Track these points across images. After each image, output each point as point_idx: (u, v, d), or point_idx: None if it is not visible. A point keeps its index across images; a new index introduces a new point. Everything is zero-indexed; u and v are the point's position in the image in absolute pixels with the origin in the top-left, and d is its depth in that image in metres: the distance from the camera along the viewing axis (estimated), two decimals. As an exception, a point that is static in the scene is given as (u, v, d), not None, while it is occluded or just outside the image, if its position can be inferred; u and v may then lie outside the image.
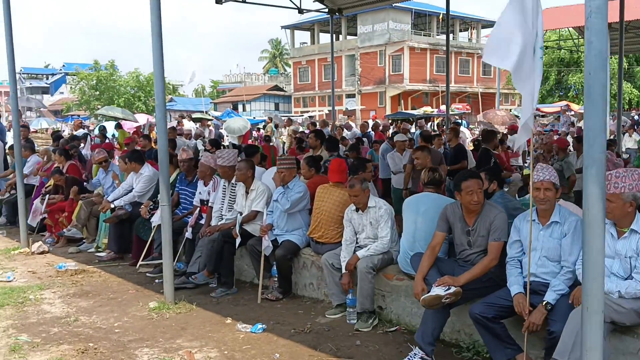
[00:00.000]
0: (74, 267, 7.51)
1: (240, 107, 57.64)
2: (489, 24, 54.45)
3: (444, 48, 50.03)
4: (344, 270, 5.31)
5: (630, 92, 35.25)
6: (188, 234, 7.11)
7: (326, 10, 17.13)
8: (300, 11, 16.77)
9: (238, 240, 6.36)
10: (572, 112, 24.72)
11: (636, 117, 26.32)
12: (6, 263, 7.94)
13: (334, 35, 57.41)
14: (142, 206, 7.84)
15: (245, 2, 15.52)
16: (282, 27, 57.08)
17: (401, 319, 5.12)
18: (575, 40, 30.16)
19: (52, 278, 7.11)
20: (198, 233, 6.98)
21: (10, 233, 9.99)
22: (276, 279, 6.11)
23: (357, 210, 5.41)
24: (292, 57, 58.39)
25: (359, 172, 6.25)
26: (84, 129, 30.34)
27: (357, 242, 5.45)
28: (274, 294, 6.08)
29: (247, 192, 6.60)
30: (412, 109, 46.78)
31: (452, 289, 4.22)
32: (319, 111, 50.74)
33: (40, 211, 9.60)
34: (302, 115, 43.63)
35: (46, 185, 10.07)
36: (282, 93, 61.62)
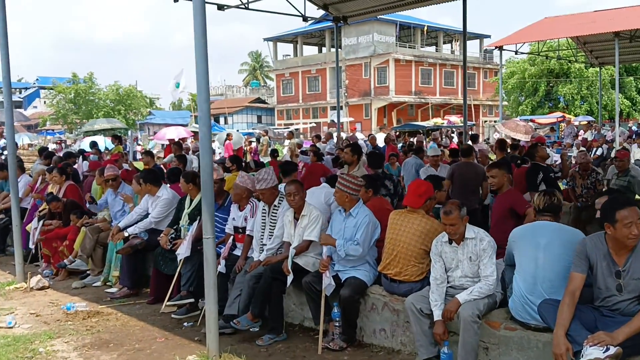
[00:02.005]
0: (85, 308, 6.41)
1: (222, 119, 56.48)
2: (473, 36, 54.42)
3: (429, 60, 50.22)
4: (436, 317, 4.35)
5: (621, 102, 35.02)
6: (221, 267, 6.07)
7: (331, 18, 16.34)
8: (305, 19, 15.90)
9: (290, 278, 5.37)
10: (577, 123, 24.23)
11: (634, 128, 25.93)
12: (2, 302, 6.81)
13: (318, 47, 57.26)
14: (162, 234, 6.80)
15: (247, 8, 14.60)
16: (265, 39, 56.44)
17: (511, 377, 4.18)
18: (568, 51, 29.87)
19: (61, 323, 6.01)
20: (233, 267, 5.98)
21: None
22: (338, 324, 5.12)
23: (450, 242, 4.46)
24: (275, 69, 57.56)
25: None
26: (60, 144, 29.03)
27: (448, 282, 4.51)
28: (336, 342, 5.08)
29: (296, 218, 5.62)
30: (397, 122, 46.26)
31: (612, 350, 3.31)
32: (304, 124, 49.93)
33: (35, 237, 8.46)
34: (288, 128, 42.69)
35: (40, 209, 8.95)
36: (264, 105, 60.67)
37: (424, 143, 15.71)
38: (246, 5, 14.59)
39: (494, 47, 21.54)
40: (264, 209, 5.99)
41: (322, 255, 5.26)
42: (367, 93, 47.69)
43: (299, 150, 15.91)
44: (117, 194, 7.88)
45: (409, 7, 15.63)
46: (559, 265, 3.96)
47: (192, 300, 6.17)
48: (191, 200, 6.91)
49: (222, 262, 6.10)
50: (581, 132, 21.84)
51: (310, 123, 49.24)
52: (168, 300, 6.27)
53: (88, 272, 7.79)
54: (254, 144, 24.60)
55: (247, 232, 6.13)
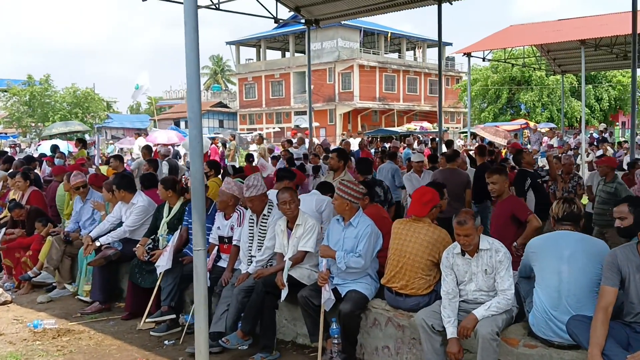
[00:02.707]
0: (54, 326, 5.88)
1: (182, 124, 55.42)
2: (435, 44, 54.93)
3: (393, 66, 50.39)
4: (450, 335, 4.04)
5: (580, 109, 35.73)
6: (204, 280, 5.66)
7: (302, 21, 16.02)
8: (277, 21, 15.58)
9: (285, 292, 5.00)
10: (543, 130, 24.49)
11: (595, 135, 26.40)
12: (-41, 320, 6.22)
13: (282, 52, 56.84)
14: (139, 245, 6.33)
15: (219, 9, 14.14)
16: (227, 42, 55.66)
17: (531, 398, 3.91)
18: (532, 59, 30.32)
19: (28, 343, 5.47)
20: (218, 280, 5.57)
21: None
22: (336, 341, 4.76)
23: (462, 253, 4.17)
24: (238, 73, 56.84)
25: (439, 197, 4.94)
26: (14, 148, 27.72)
27: (460, 296, 4.21)
28: (336, 360, 4.74)
29: (289, 228, 5.25)
30: (361, 127, 46.19)
31: (655, 371, 3.06)
32: (267, 128, 49.39)
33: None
34: (252, 133, 42.11)
35: (1, 217, 8.34)
36: (227, 110, 59.87)
37: (399, 149, 15.52)
38: (217, 5, 14.15)
39: (462, 54, 21.51)
40: (252, 218, 5.59)
41: (320, 268, 4.90)
42: (332, 98, 47.53)
43: (270, 156, 15.50)
44: (86, 201, 7.35)
45: (382, 12, 15.44)
46: (585, 278, 3.71)
47: (173, 316, 5.74)
48: (170, 208, 6.47)
49: (207, 274, 5.69)
50: (546, 139, 22.05)
51: (274, 128, 48.74)
52: (147, 317, 5.80)
53: (54, 284, 7.24)
54: (220, 149, 24.00)
55: (234, 243, 5.72)
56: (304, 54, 51.27)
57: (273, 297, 5.07)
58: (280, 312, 5.38)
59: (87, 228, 7.27)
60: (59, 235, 7.28)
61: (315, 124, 44.30)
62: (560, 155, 12.46)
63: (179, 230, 6.12)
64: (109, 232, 6.72)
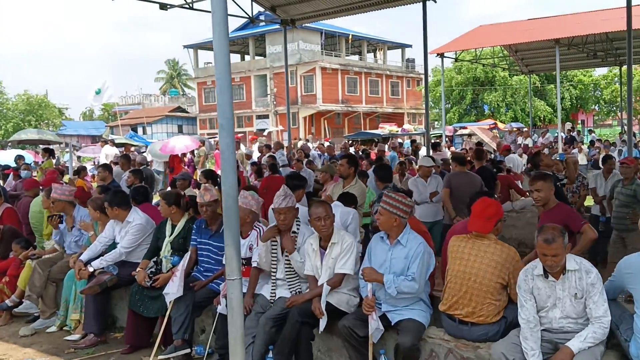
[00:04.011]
0: (46, 366, 5.12)
1: (140, 129, 53.84)
2: (395, 46, 55.12)
3: (355, 69, 50.17)
4: (537, 371, 3.52)
5: (543, 109, 36.26)
6: (221, 307, 5.00)
7: (278, 21, 15.43)
8: (252, 20, 14.99)
9: (324, 322, 4.39)
10: (517, 130, 24.47)
11: (563, 135, 26.62)
12: None
13: (241, 55, 55.93)
14: (139, 269, 5.60)
15: (192, 8, 13.42)
16: (185, 46, 54.38)
17: None
18: (494, 59, 30.43)
19: (19, 390, 4.70)
20: (239, 307, 4.91)
21: None
22: (386, 377, 4.18)
23: (545, 275, 3.65)
24: (196, 77, 55.62)
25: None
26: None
27: (541, 323, 3.69)
28: (387, 399, 4.15)
29: (322, 247, 4.65)
30: (324, 129, 45.74)
31: None
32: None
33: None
34: (214, 137, 41.09)
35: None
36: (186, 115, 58.48)
37: (385, 152, 15.02)
38: (191, 5, 13.43)
39: (435, 55, 21.21)
40: (275, 239, 4.95)
41: (365, 292, 4.31)
42: (294, 101, 46.89)
43: (248, 162, 14.79)
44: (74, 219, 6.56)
45: (361, 11, 15.03)
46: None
47: (188, 350, 5.06)
48: (173, 226, 5.77)
49: (223, 300, 5.03)
50: (519, 138, 22.02)
51: (236, 133, 47.83)
52: (158, 352, 5.08)
53: (36, 314, 6.42)
54: (188, 155, 23.00)
55: (254, 264, 5.07)
56: (265, 57, 50.72)
57: (309, 327, 4.46)
58: (313, 342, 4.77)
59: (73, 250, 6.49)
60: (41, 259, 6.47)
61: (279, 127, 43.74)
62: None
63: (188, 252, 5.43)
64: (101, 254, 5.97)
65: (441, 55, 21.16)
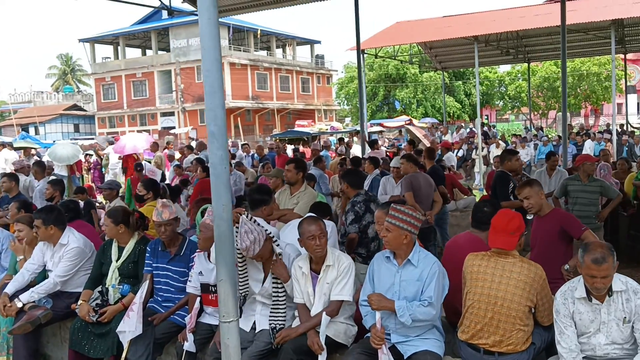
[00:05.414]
0: None
1: (32, 129, 50.00)
2: (304, 42, 54.78)
3: (265, 64, 49.38)
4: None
5: (452, 105, 37.20)
6: (188, 344, 4.24)
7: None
8: (170, 12, 13.92)
9: (323, 357, 3.76)
10: (441, 127, 24.73)
11: (475, 129, 27.32)
12: None
13: (142, 49, 53.35)
14: (80, 301, 4.72)
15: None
16: (80, 40, 51.06)
17: None
18: (406, 56, 30.78)
19: None
20: (211, 342, 4.19)
21: None
22: (398, 417, 3.63)
23: (589, 298, 3.23)
24: (94, 73, 52.46)
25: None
26: None
27: (581, 350, 3.28)
28: None
29: (313, 270, 4.01)
30: (234, 127, 44.58)
31: None
32: (130, 131, 46.03)
33: None
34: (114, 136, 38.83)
35: None
36: (82, 113, 55.05)
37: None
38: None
39: (353, 51, 20.89)
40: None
41: (369, 322, 3.73)
42: (202, 98, 45.31)
43: (172, 164, 13.74)
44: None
45: (289, 4, 14.37)
46: None
47: (151, 400, 4.24)
48: (120, 248, 4.90)
49: (190, 336, 4.27)
50: (437, 134, 22.30)
51: (139, 131, 45.54)
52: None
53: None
54: (93, 158, 21.21)
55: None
56: (168, 51, 48.61)
57: (304, 366, 3.82)
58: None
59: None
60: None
61: (186, 128, 42.07)
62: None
63: (146, 280, 4.59)
64: (30, 286, 4.98)
65: (362, 52, 20.89)
